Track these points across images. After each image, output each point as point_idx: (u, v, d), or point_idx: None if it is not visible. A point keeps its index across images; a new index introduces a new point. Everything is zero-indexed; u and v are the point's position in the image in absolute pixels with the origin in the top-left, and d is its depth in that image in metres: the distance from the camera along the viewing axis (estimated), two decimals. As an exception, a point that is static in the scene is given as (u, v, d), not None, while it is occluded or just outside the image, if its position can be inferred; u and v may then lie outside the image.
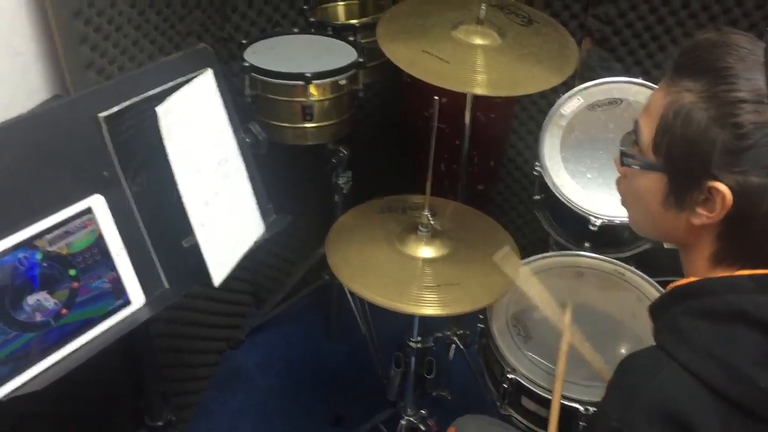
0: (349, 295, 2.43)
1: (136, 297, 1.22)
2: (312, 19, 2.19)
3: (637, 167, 0.96)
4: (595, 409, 1.47)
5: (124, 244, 1.19)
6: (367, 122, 2.59)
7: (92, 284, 1.15)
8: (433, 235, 1.62)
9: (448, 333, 2.20)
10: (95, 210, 1.15)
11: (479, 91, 1.64)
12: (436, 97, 1.48)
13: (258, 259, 2.61)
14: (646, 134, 0.94)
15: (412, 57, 1.66)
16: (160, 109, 1.12)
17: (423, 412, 1.94)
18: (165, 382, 2.15)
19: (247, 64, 1.90)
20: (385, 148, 2.74)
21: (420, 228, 1.61)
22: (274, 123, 1.95)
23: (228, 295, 2.52)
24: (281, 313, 2.66)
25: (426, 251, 1.61)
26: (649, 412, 0.84)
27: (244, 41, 2.04)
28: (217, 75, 1.31)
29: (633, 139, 0.98)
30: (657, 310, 1.00)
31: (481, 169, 2.55)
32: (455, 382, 2.26)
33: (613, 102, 1.91)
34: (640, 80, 1.92)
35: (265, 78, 1.89)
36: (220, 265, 1.27)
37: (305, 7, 2.25)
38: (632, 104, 1.92)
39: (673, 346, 0.88)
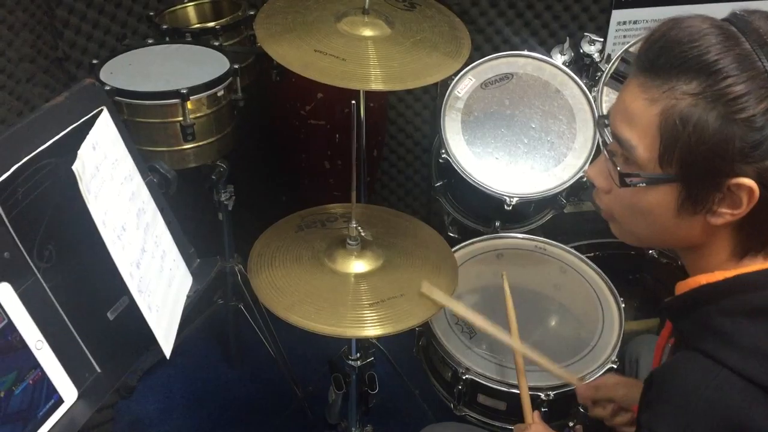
0: (249, 316, 2.27)
1: (68, 392, 1.01)
2: (164, 27, 1.97)
3: (644, 184, 0.90)
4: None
5: (43, 334, 0.98)
6: (242, 129, 2.41)
7: (16, 392, 0.94)
8: (363, 247, 1.50)
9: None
10: (3, 302, 0.93)
11: (381, 87, 1.52)
12: (353, 102, 1.37)
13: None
14: (643, 149, 0.88)
15: (305, 58, 1.51)
16: (78, 166, 0.92)
17: (369, 428, 1.83)
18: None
19: (108, 88, 1.66)
20: (263, 154, 2.57)
21: (348, 241, 1.49)
22: (149, 149, 1.72)
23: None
24: (174, 348, 2.42)
25: (359, 265, 1.49)
26: (707, 426, 0.80)
27: (95, 61, 1.78)
28: (112, 113, 1.11)
29: (618, 153, 0.93)
30: (677, 310, 0.95)
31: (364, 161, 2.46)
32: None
33: (505, 77, 1.88)
34: (525, 52, 1.91)
35: (133, 100, 1.66)
36: (166, 333, 1.09)
37: (151, 13, 2.01)
38: (522, 77, 1.90)
39: (718, 351, 0.83)
